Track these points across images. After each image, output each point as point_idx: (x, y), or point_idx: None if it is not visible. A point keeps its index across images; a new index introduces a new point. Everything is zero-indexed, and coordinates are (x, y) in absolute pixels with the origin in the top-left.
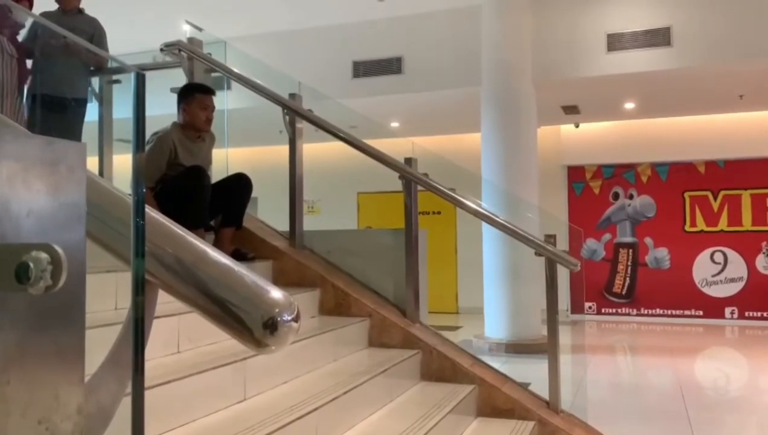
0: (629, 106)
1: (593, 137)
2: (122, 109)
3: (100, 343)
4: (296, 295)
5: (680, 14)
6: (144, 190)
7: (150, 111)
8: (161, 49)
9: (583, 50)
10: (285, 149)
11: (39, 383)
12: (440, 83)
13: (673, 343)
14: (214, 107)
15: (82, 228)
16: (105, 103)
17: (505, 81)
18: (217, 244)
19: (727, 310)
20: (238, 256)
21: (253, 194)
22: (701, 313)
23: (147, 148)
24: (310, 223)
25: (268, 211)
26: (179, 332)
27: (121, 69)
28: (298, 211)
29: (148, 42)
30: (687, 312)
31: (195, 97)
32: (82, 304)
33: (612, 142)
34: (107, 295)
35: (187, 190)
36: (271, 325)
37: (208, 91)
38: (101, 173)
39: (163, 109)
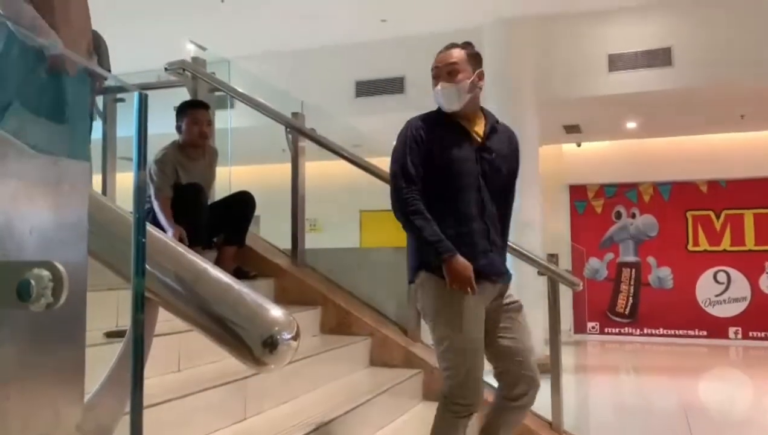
0: (631, 125)
1: (595, 156)
2: (126, 127)
3: (100, 360)
4: (297, 314)
5: (681, 35)
6: (146, 207)
7: (156, 129)
8: (165, 69)
9: (584, 70)
10: (288, 167)
11: (39, 400)
12: None
13: (676, 364)
14: (208, 120)
15: (84, 246)
16: (109, 121)
17: (506, 100)
18: (219, 262)
19: (731, 330)
20: (239, 274)
21: (256, 212)
22: (705, 333)
23: (152, 170)
24: (312, 240)
25: (270, 228)
26: (180, 350)
27: (125, 88)
28: (300, 229)
29: (153, 61)
30: (691, 332)
31: (186, 112)
32: (82, 322)
33: (614, 162)
34: (108, 312)
35: (185, 208)
36: (271, 344)
37: (199, 105)
38: (104, 191)
39: (167, 128)
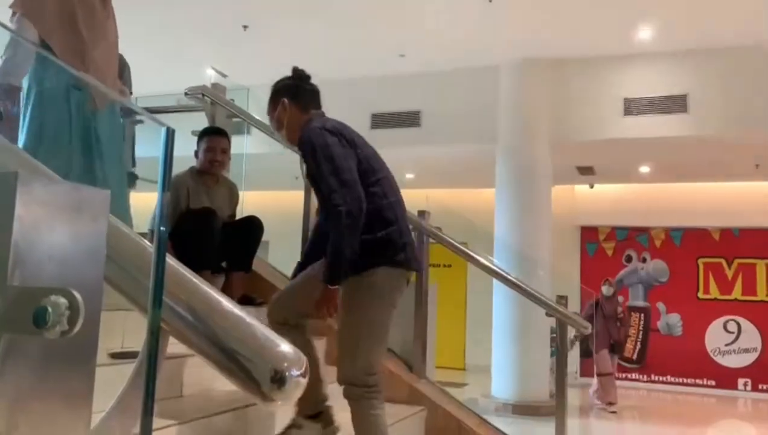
0: (644, 169)
1: (607, 199)
2: (143, 147)
3: (103, 381)
4: None
5: (697, 82)
6: (167, 238)
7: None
8: (186, 93)
9: (599, 113)
10: (300, 195)
11: (46, 428)
12: (456, 138)
13: (684, 413)
14: (222, 148)
15: (101, 273)
16: (127, 141)
17: (520, 139)
18: (228, 288)
19: (741, 382)
20: (246, 301)
21: (265, 238)
22: (713, 383)
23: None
24: None
25: (279, 255)
26: (184, 375)
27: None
28: None
29: (173, 84)
30: (699, 381)
31: (203, 139)
32: (94, 348)
33: (626, 205)
34: (114, 333)
35: (196, 231)
36: (279, 380)
37: (214, 133)
38: None
39: (183, 151)
